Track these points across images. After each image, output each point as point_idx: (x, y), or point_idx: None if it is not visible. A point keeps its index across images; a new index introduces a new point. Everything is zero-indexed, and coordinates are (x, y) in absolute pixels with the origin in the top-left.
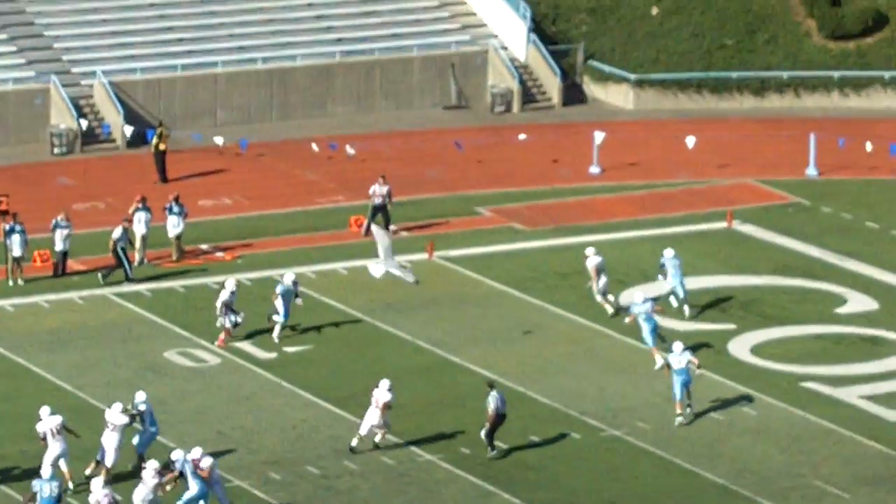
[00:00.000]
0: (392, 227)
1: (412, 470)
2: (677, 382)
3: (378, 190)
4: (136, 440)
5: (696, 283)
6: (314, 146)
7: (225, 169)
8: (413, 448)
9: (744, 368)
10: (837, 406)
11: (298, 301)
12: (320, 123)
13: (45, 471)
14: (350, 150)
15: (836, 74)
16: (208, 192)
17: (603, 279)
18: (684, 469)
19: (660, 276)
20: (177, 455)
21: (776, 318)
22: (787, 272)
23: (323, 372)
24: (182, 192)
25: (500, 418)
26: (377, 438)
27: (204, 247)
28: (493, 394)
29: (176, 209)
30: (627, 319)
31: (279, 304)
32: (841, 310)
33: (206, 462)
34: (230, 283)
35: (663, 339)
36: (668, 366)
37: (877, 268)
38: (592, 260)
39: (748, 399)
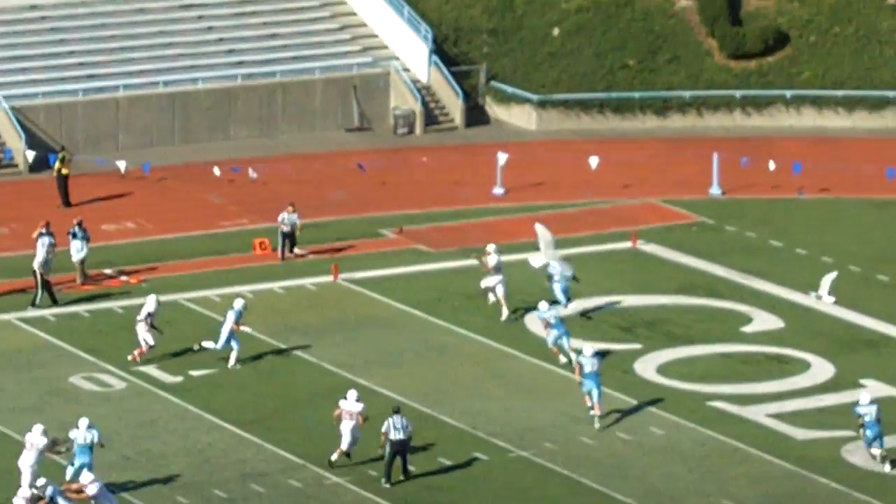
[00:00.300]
0: (297, 251)
1: (320, 493)
2: (591, 384)
3: (287, 218)
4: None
5: (602, 302)
6: (216, 170)
7: (128, 193)
8: (320, 470)
9: (650, 388)
10: (744, 424)
11: (244, 328)
12: (223, 146)
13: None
14: (252, 174)
15: (738, 94)
16: (112, 217)
17: (497, 277)
18: (593, 489)
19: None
20: (41, 482)
21: (682, 338)
22: (692, 291)
23: (229, 395)
24: (85, 216)
25: (396, 445)
26: (345, 447)
27: (108, 271)
28: (391, 419)
29: (79, 234)
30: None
31: (225, 330)
32: (746, 328)
33: (93, 489)
34: (151, 300)
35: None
36: (579, 366)
37: (782, 286)
38: (493, 258)
39: (655, 418)
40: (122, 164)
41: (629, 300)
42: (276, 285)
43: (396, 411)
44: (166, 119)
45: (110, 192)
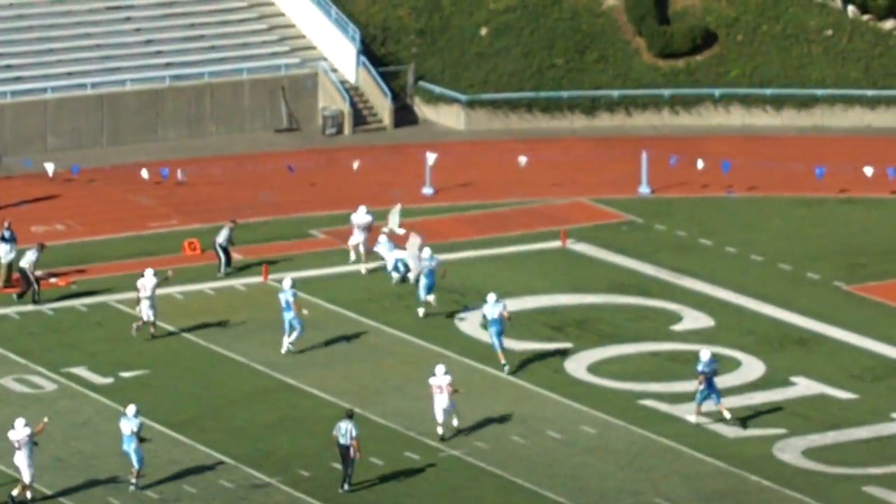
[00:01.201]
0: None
1: (251, 493)
2: (493, 333)
3: (224, 234)
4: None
5: (532, 302)
6: (144, 173)
7: (57, 195)
8: (251, 471)
9: (581, 387)
10: (675, 423)
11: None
12: (151, 148)
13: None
14: (180, 177)
15: (666, 92)
16: (40, 218)
17: (362, 236)
18: (524, 488)
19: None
20: None
21: (612, 337)
22: (622, 290)
23: (160, 396)
24: (14, 218)
25: (341, 448)
26: (455, 423)
27: (37, 273)
28: (340, 423)
29: (7, 236)
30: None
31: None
32: (676, 327)
33: None
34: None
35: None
36: (483, 317)
37: (711, 284)
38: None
39: (586, 417)
40: (50, 167)
41: (559, 299)
42: (206, 286)
43: (348, 416)
44: (94, 121)
45: (39, 195)
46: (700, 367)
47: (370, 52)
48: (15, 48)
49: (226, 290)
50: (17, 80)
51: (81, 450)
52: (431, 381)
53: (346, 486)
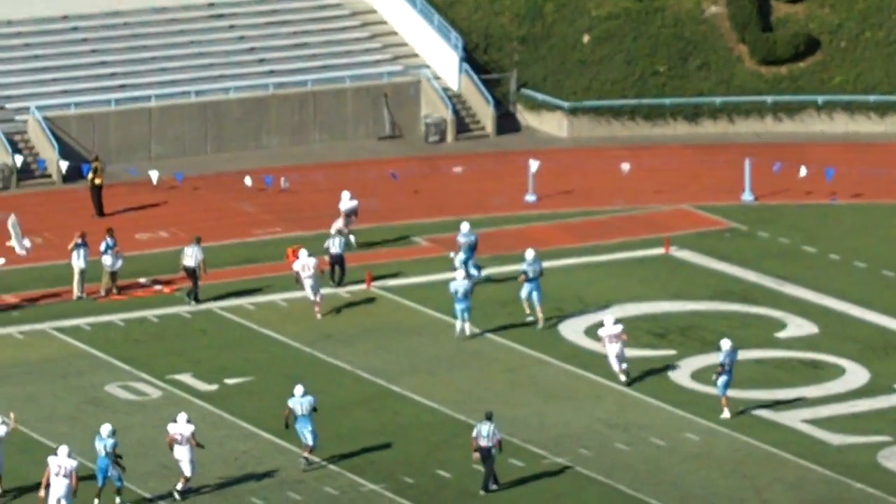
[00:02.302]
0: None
1: (356, 500)
2: (529, 289)
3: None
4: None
5: (635, 309)
6: (247, 180)
7: (161, 202)
8: (356, 478)
9: (685, 394)
10: (780, 430)
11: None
12: (255, 155)
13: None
14: (283, 184)
15: (769, 99)
16: (145, 226)
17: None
18: (628, 495)
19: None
20: None
21: (716, 344)
22: (725, 297)
23: (264, 403)
24: (118, 226)
25: (481, 451)
26: (624, 366)
27: (142, 280)
28: (480, 425)
29: (111, 244)
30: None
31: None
32: (781, 334)
33: None
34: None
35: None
36: (524, 274)
37: (815, 291)
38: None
39: (690, 424)
40: (154, 174)
41: (662, 306)
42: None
43: (487, 418)
44: (198, 128)
45: (143, 202)
46: (721, 358)
47: (472, 59)
48: (119, 56)
49: (329, 297)
50: (122, 87)
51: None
52: (601, 332)
53: (493, 486)
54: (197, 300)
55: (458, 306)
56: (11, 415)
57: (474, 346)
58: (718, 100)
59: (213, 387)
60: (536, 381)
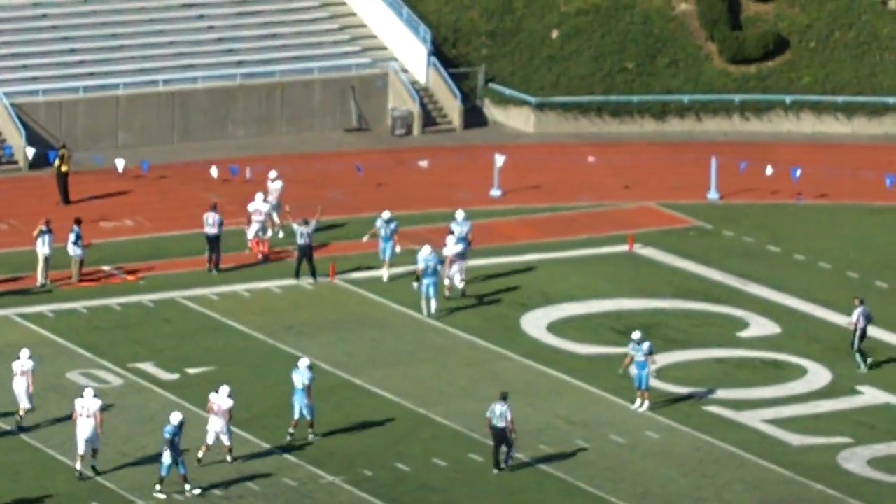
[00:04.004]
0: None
1: (315, 492)
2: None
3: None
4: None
5: (598, 306)
6: (214, 170)
7: (127, 191)
8: (315, 469)
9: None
10: (740, 430)
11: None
12: (221, 145)
13: None
14: (249, 175)
15: (737, 98)
16: (110, 214)
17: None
18: (587, 492)
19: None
20: None
21: (678, 342)
22: (688, 296)
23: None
24: (83, 213)
25: (494, 431)
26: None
27: (106, 268)
28: (494, 406)
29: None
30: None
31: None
32: (743, 333)
33: None
34: None
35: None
36: (450, 233)
37: (779, 291)
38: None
39: (651, 422)
40: (120, 163)
41: (626, 304)
42: (273, 284)
43: (502, 398)
44: (165, 117)
45: (109, 190)
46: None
47: (441, 53)
48: (88, 44)
49: (292, 289)
50: (90, 75)
51: (146, 445)
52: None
53: (505, 466)
54: (217, 268)
55: (426, 281)
56: None
57: (436, 341)
58: (686, 98)
59: (175, 376)
60: (497, 376)
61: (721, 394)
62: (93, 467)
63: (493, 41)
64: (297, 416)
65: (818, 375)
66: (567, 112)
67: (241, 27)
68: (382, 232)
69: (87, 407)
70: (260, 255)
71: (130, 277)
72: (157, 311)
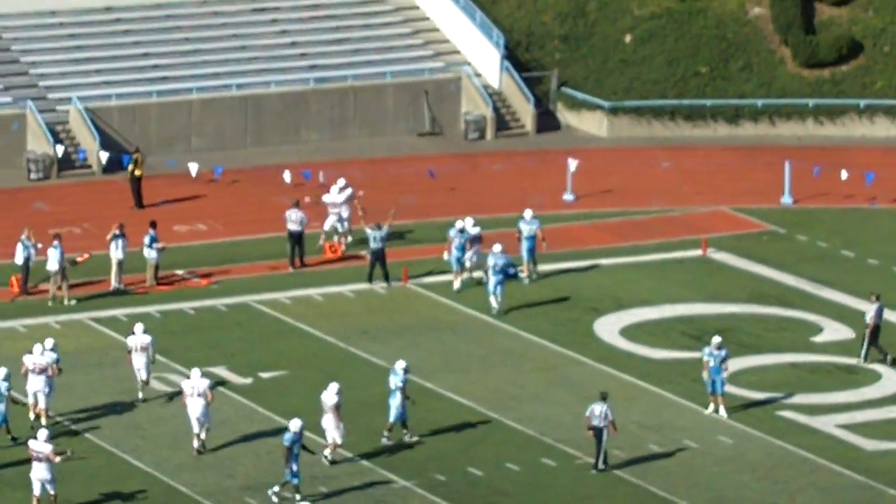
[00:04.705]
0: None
1: (387, 496)
2: (524, 248)
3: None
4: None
5: (671, 311)
6: (286, 174)
7: (200, 195)
8: (388, 473)
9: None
10: (814, 435)
11: None
12: (294, 150)
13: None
14: (322, 179)
15: (810, 102)
16: (183, 218)
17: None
18: (660, 497)
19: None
20: None
21: (752, 347)
22: (762, 300)
23: (298, 398)
24: (157, 217)
25: (594, 430)
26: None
27: (180, 272)
28: (594, 406)
29: (153, 236)
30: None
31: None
32: (817, 338)
33: None
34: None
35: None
36: (518, 232)
37: (852, 296)
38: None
39: (724, 427)
40: (193, 167)
41: (699, 308)
42: (346, 288)
43: (602, 398)
44: (238, 122)
45: (182, 194)
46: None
47: (514, 57)
48: (162, 48)
49: (365, 293)
50: (164, 79)
51: (219, 450)
52: None
53: (601, 466)
54: (303, 263)
55: (495, 279)
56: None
57: (509, 345)
58: (760, 102)
59: (248, 380)
60: (570, 381)
61: (795, 399)
62: (204, 444)
63: (565, 45)
64: (392, 419)
65: (892, 380)
66: (640, 116)
67: (314, 31)
68: (457, 241)
69: (195, 387)
70: (331, 254)
71: (203, 281)
72: (229, 315)
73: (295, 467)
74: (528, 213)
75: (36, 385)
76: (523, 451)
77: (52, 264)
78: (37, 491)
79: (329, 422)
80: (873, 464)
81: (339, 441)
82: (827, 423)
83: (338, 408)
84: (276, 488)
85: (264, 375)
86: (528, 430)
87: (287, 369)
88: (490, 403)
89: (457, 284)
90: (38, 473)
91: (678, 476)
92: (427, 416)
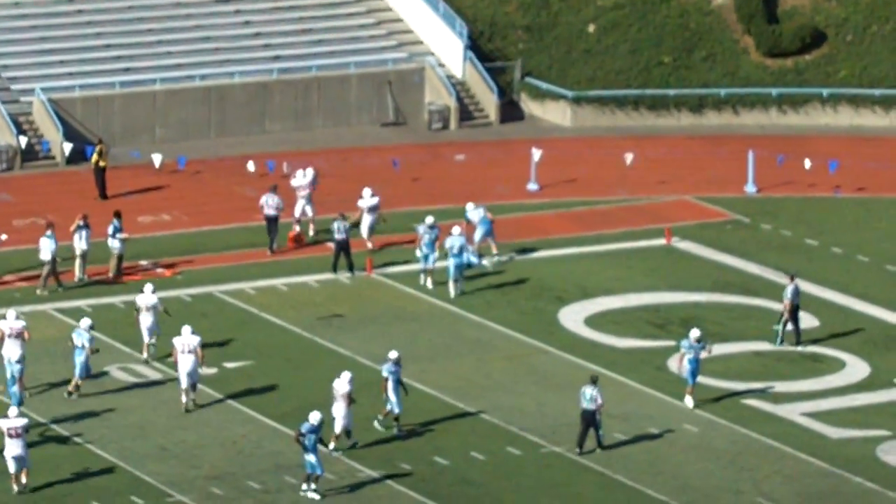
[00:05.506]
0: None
1: (353, 485)
2: (482, 232)
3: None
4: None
5: (636, 299)
6: (250, 165)
7: (163, 186)
8: (354, 463)
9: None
10: (779, 423)
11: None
12: (258, 140)
13: None
14: (286, 169)
15: (774, 91)
16: (147, 209)
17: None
18: (625, 485)
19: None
20: None
21: (716, 335)
22: (726, 289)
23: (263, 388)
24: (121, 208)
25: (584, 414)
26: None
27: (143, 263)
28: (585, 388)
29: (117, 227)
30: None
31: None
32: (779, 327)
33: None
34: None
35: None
36: (466, 220)
37: (817, 284)
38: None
39: (689, 416)
40: (157, 158)
41: (663, 297)
42: (310, 278)
43: (592, 381)
44: (202, 113)
45: (146, 185)
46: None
47: (477, 47)
48: (125, 39)
49: (330, 283)
50: (127, 70)
51: (185, 439)
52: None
53: (600, 447)
54: (272, 250)
55: (454, 261)
56: None
57: (474, 334)
58: (723, 91)
59: (213, 370)
60: (535, 370)
61: (759, 387)
62: (193, 401)
63: (529, 35)
64: (397, 410)
65: (856, 368)
66: (604, 106)
67: (277, 22)
68: (426, 238)
69: (186, 344)
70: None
71: (168, 272)
72: (194, 306)
73: (314, 458)
74: (469, 206)
75: (13, 352)
76: (489, 440)
77: (45, 254)
78: (12, 469)
79: (339, 410)
80: (838, 451)
81: (336, 431)
82: (792, 412)
83: (349, 396)
84: (304, 486)
85: (229, 365)
86: (494, 419)
87: (252, 359)
88: (455, 392)
89: (429, 283)
90: (12, 450)
91: (644, 464)
92: (382, 405)
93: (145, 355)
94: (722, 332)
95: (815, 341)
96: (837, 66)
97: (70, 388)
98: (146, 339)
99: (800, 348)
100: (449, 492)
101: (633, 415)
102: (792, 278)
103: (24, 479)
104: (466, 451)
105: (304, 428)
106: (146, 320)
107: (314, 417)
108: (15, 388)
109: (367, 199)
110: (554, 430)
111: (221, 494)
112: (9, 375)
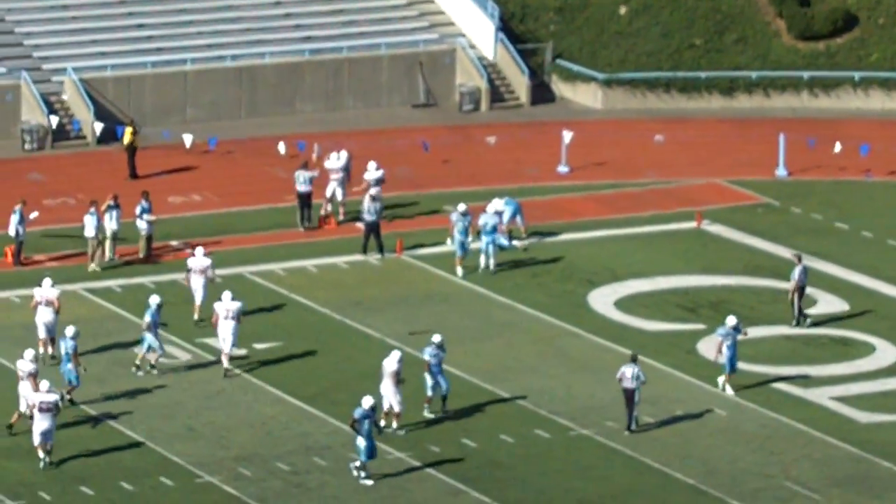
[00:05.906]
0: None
1: (381, 467)
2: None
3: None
4: None
5: (665, 282)
6: (281, 146)
7: (194, 166)
8: (382, 445)
9: (714, 369)
10: (808, 407)
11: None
12: (288, 121)
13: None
14: (317, 150)
15: (805, 75)
16: (177, 189)
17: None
18: (654, 469)
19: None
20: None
21: (746, 319)
22: (756, 272)
23: (292, 369)
24: (151, 188)
25: (626, 392)
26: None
27: (174, 243)
28: (624, 368)
29: (145, 207)
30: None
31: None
32: (811, 311)
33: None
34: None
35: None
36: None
37: (847, 269)
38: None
39: (718, 399)
40: (188, 138)
41: (693, 280)
42: (340, 260)
43: (633, 360)
44: (233, 93)
45: (177, 165)
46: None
47: (508, 29)
48: (156, 19)
49: (360, 264)
50: (158, 51)
51: (213, 420)
52: None
53: (633, 427)
54: (304, 227)
55: (486, 238)
56: None
57: (503, 317)
58: (754, 74)
59: (242, 351)
60: (564, 353)
61: (789, 371)
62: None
63: (560, 17)
64: (429, 392)
65: (886, 352)
66: (635, 88)
67: (308, 2)
68: (459, 225)
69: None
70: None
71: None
72: (224, 287)
73: (369, 443)
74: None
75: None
76: (517, 423)
77: (90, 230)
78: (37, 441)
79: (388, 388)
80: (867, 436)
81: (396, 409)
82: (821, 396)
83: (398, 375)
84: (355, 472)
85: (259, 346)
86: (523, 402)
87: (281, 340)
88: (484, 375)
89: (459, 271)
90: (41, 426)
91: (672, 448)
92: (422, 387)
93: (196, 316)
94: (752, 315)
95: (843, 325)
96: (869, 50)
97: (137, 361)
98: (197, 301)
99: (797, 329)
100: (477, 474)
101: (662, 398)
102: (799, 259)
103: (44, 453)
104: (495, 434)
105: (358, 413)
106: (196, 282)
107: (367, 402)
108: (69, 366)
109: (372, 171)
110: (583, 413)
111: (250, 475)
112: (63, 352)
